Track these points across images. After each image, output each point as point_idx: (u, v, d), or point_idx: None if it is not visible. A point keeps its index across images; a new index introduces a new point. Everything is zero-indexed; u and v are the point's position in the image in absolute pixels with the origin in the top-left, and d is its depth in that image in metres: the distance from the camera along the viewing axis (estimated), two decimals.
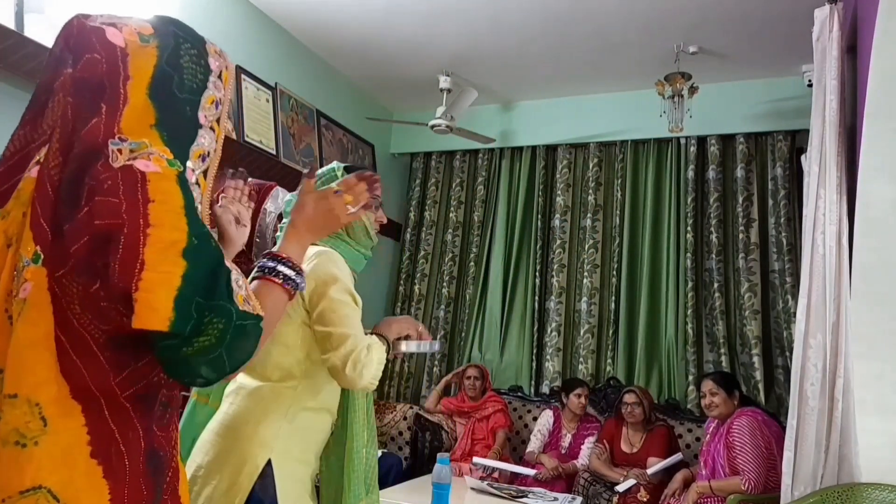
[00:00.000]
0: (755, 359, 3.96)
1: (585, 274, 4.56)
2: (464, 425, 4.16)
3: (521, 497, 3.04)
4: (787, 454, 2.40)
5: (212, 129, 0.95)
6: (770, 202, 4.18)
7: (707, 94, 3.99)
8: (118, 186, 0.83)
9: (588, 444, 3.80)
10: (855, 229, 2.36)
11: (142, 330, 0.81)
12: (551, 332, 4.56)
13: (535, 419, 4.27)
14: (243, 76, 3.76)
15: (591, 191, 4.65)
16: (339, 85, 4.66)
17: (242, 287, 0.91)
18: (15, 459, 0.81)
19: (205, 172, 0.94)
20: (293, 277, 1.08)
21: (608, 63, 4.20)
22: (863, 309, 2.33)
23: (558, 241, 4.68)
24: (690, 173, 4.36)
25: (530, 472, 3.61)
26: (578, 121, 4.70)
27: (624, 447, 3.67)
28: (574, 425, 3.94)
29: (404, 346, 1.62)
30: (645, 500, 3.33)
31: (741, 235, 4.17)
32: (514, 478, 3.72)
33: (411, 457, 4.14)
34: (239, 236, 1.27)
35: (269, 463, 1.40)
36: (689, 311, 4.18)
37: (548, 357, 4.53)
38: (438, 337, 4.77)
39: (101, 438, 0.85)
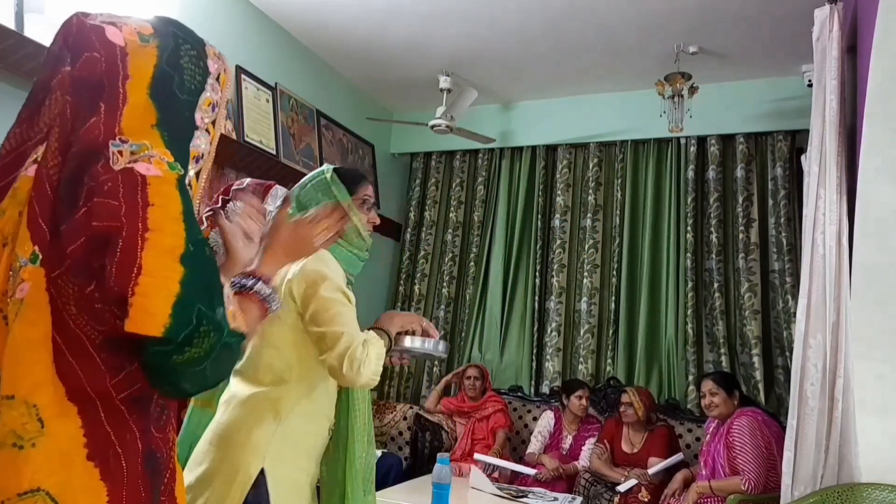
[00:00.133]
0: (755, 359, 3.96)
1: (585, 274, 4.56)
2: (464, 425, 4.15)
3: (522, 497, 3.04)
4: (787, 454, 2.40)
5: (207, 131, 0.95)
6: (770, 202, 4.18)
7: (707, 94, 3.99)
8: (118, 189, 0.83)
9: (588, 446, 3.80)
10: (855, 229, 2.36)
11: (133, 334, 0.80)
12: (551, 332, 4.56)
13: (535, 419, 4.27)
14: (243, 76, 3.76)
15: (591, 191, 4.65)
16: (339, 85, 4.66)
17: (231, 302, 0.91)
18: (12, 461, 0.80)
19: (197, 174, 0.94)
20: (269, 296, 1.07)
21: (608, 63, 4.20)
22: (863, 309, 2.32)
23: (558, 241, 4.68)
24: (690, 173, 4.36)
25: (531, 471, 3.61)
26: (578, 121, 4.70)
27: (625, 447, 3.67)
28: (575, 426, 3.94)
29: (408, 341, 1.60)
30: (646, 500, 3.33)
31: (741, 235, 4.17)
32: (515, 477, 3.72)
33: (411, 457, 4.14)
34: (245, 252, 1.25)
35: (262, 472, 1.38)
36: (689, 311, 4.18)
37: (548, 357, 4.53)
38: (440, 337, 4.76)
39: (97, 440, 0.84)
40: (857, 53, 2.75)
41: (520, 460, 3.91)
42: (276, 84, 4.03)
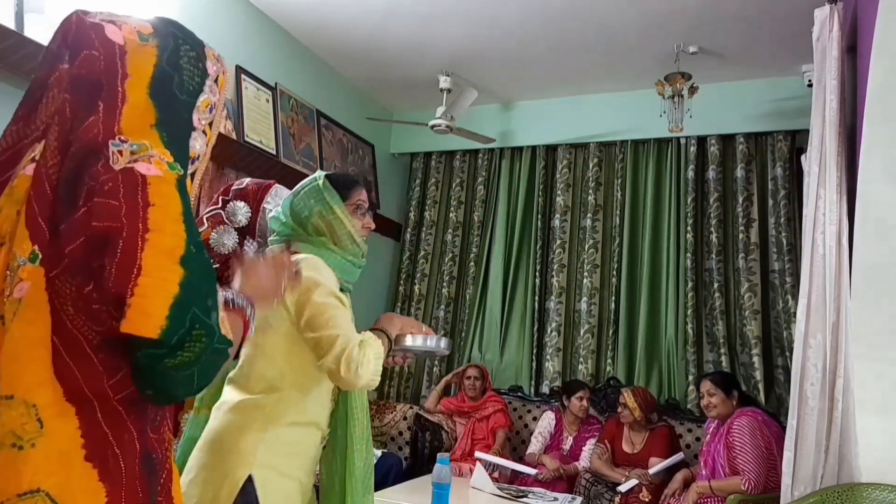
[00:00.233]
0: (755, 359, 3.96)
1: (585, 274, 4.56)
2: (464, 425, 4.15)
3: (522, 497, 3.04)
4: (787, 454, 2.40)
5: (204, 132, 0.95)
6: (770, 202, 4.18)
7: (707, 94, 3.98)
8: (118, 189, 0.82)
9: (589, 446, 3.80)
10: (855, 229, 2.36)
11: (127, 335, 0.80)
12: (551, 332, 4.56)
13: (535, 419, 4.27)
14: (243, 76, 3.76)
15: (591, 191, 4.65)
16: (339, 85, 4.66)
17: (221, 308, 0.90)
18: (12, 462, 0.80)
19: (192, 175, 0.94)
20: (250, 316, 1.06)
21: (608, 63, 4.20)
22: (863, 309, 2.32)
23: (558, 241, 4.67)
24: (690, 173, 4.36)
25: (532, 471, 3.61)
26: (578, 121, 4.70)
27: (625, 447, 3.67)
28: (575, 427, 3.94)
29: (409, 340, 1.59)
30: (647, 500, 3.33)
31: (741, 235, 4.17)
32: (515, 477, 3.72)
33: (411, 457, 4.14)
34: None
35: (250, 478, 1.37)
36: (689, 311, 4.18)
37: (548, 357, 4.53)
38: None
39: (95, 441, 0.84)
40: (857, 53, 2.75)
41: (520, 460, 3.90)
42: (276, 84, 4.03)
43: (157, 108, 0.89)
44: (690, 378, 4.08)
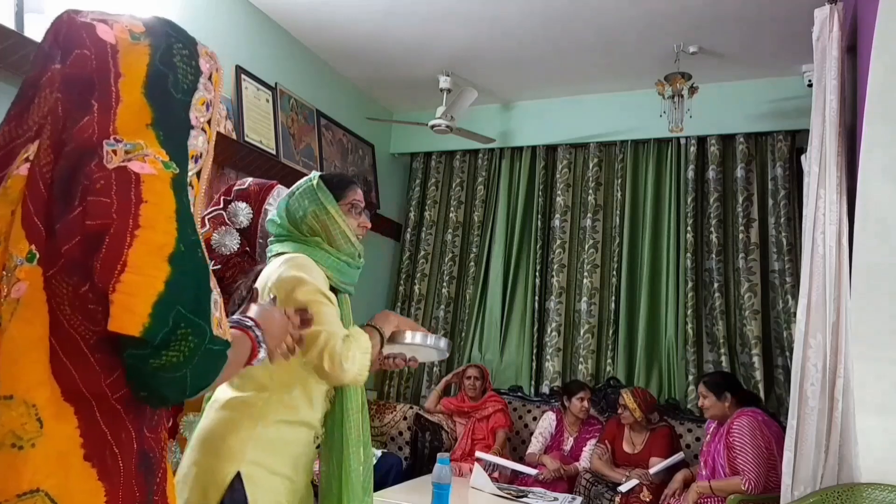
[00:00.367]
0: (755, 359, 3.96)
1: (585, 274, 4.56)
2: (464, 425, 4.15)
3: (522, 497, 3.04)
4: (787, 454, 2.40)
5: (203, 130, 0.94)
6: (770, 202, 4.18)
7: (707, 94, 3.98)
8: (111, 186, 0.82)
9: (589, 447, 3.80)
10: (855, 229, 2.36)
11: (116, 333, 0.80)
12: (551, 332, 4.56)
13: (535, 419, 4.27)
14: (243, 76, 3.76)
15: (591, 191, 4.65)
16: (339, 85, 4.66)
17: (218, 310, 0.89)
18: (11, 462, 0.80)
19: (198, 174, 0.93)
20: (262, 342, 1.05)
21: (608, 63, 4.20)
22: (863, 309, 2.32)
23: (558, 241, 4.67)
24: (690, 173, 4.36)
25: (532, 471, 3.61)
26: (578, 121, 4.70)
27: (626, 447, 3.67)
28: (576, 428, 3.94)
29: (409, 337, 1.58)
30: (648, 500, 3.33)
31: (741, 235, 4.17)
32: (515, 477, 3.72)
33: (411, 457, 4.14)
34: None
35: (238, 475, 1.37)
36: (689, 311, 4.18)
37: (548, 357, 4.53)
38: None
39: (94, 441, 0.84)
40: (857, 53, 2.75)
41: (520, 460, 3.91)
42: (276, 84, 4.03)
43: (152, 107, 0.88)
44: (690, 378, 4.08)
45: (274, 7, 3.86)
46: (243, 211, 1.94)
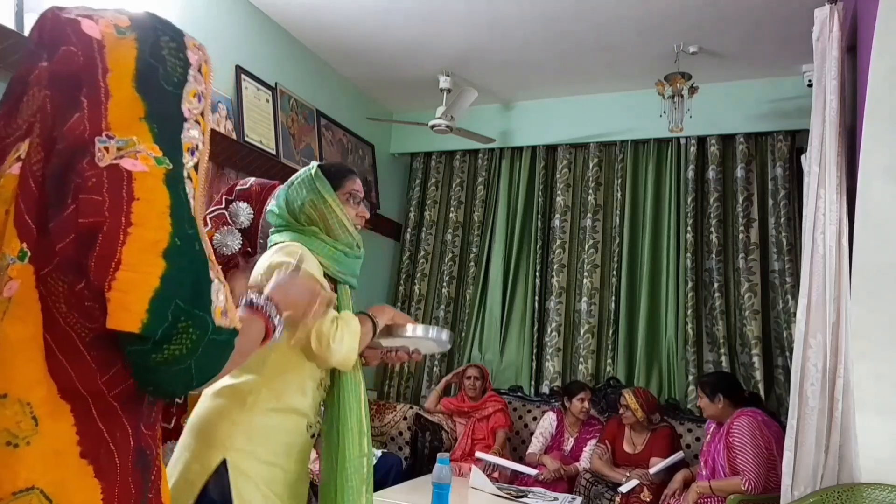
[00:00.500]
0: (755, 359, 3.96)
1: (585, 274, 4.56)
2: (464, 425, 4.15)
3: (522, 497, 3.04)
4: (787, 454, 2.40)
5: (197, 122, 0.94)
6: (770, 202, 4.18)
7: (707, 94, 3.98)
8: (103, 184, 0.82)
9: (590, 447, 3.80)
10: (855, 229, 2.36)
11: (115, 331, 0.80)
12: (551, 332, 4.56)
13: (535, 419, 4.27)
14: (243, 76, 3.76)
15: (591, 191, 4.65)
16: (339, 85, 4.66)
17: (222, 299, 0.89)
18: (6, 460, 0.80)
19: (195, 167, 0.93)
20: (274, 318, 1.08)
21: (608, 63, 4.20)
22: (863, 309, 2.32)
23: (558, 241, 4.67)
24: (690, 173, 4.36)
25: (532, 471, 3.61)
26: (578, 121, 4.70)
27: (626, 447, 3.66)
28: (577, 428, 3.94)
29: (410, 330, 1.58)
30: (648, 500, 3.33)
31: (741, 235, 4.17)
32: (515, 477, 3.72)
33: (411, 457, 4.14)
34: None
35: (224, 462, 1.37)
36: (689, 311, 4.18)
37: (548, 357, 4.53)
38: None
39: (90, 438, 0.84)
40: (857, 53, 2.75)
41: (520, 460, 3.91)
42: (276, 84, 4.03)
43: (145, 100, 0.88)
44: (690, 378, 4.08)
45: (274, 7, 3.86)
46: (244, 211, 1.94)
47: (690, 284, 4.21)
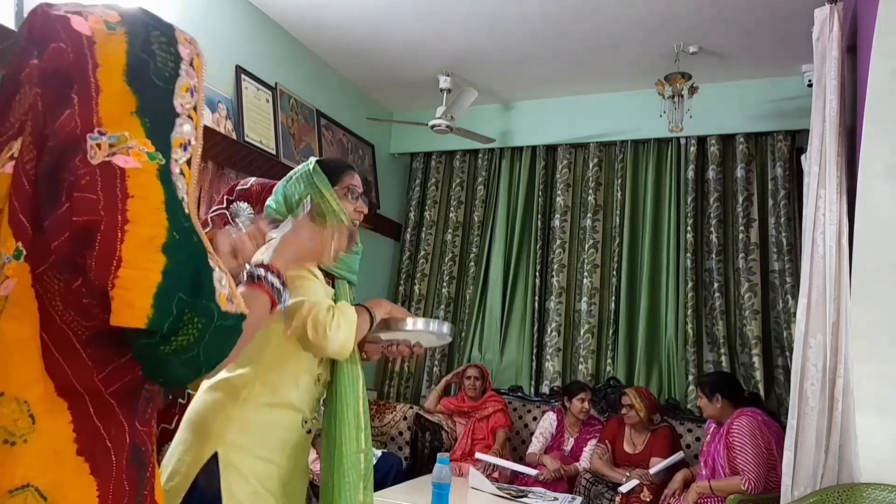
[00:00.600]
0: (755, 359, 3.96)
1: (585, 274, 4.56)
2: (464, 425, 4.16)
3: (522, 497, 3.04)
4: (787, 454, 2.40)
5: (189, 117, 0.93)
6: (770, 202, 4.18)
7: (707, 94, 3.99)
8: (96, 182, 0.82)
9: (590, 447, 3.80)
10: (855, 229, 2.36)
11: (121, 328, 0.80)
12: (551, 332, 4.56)
13: (535, 419, 4.27)
14: (243, 76, 3.76)
15: (591, 191, 4.65)
16: (339, 85, 4.66)
17: (226, 286, 0.89)
18: (3, 458, 0.80)
19: (188, 162, 0.92)
20: (279, 287, 1.10)
21: (608, 63, 4.20)
22: (863, 309, 2.32)
23: (558, 241, 4.68)
24: (690, 173, 4.36)
25: (532, 471, 3.61)
26: (578, 121, 4.70)
27: (626, 447, 3.66)
28: (577, 428, 3.94)
29: (410, 324, 1.58)
30: (648, 500, 3.33)
31: (741, 235, 4.17)
32: (515, 477, 3.72)
33: (411, 457, 4.14)
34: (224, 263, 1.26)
35: (215, 456, 1.37)
36: (689, 311, 4.18)
37: (548, 357, 4.53)
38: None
39: (87, 436, 0.84)
40: (857, 53, 2.75)
41: (520, 460, 3.91)
42: (276, 84, 4.03)
43: (136, 94, 0.87)
44: (690, 378, 4.08)
45: (274, 7, 3.86)
46: (245, 211, 1.95)
47: (690, 284, 4.21)
